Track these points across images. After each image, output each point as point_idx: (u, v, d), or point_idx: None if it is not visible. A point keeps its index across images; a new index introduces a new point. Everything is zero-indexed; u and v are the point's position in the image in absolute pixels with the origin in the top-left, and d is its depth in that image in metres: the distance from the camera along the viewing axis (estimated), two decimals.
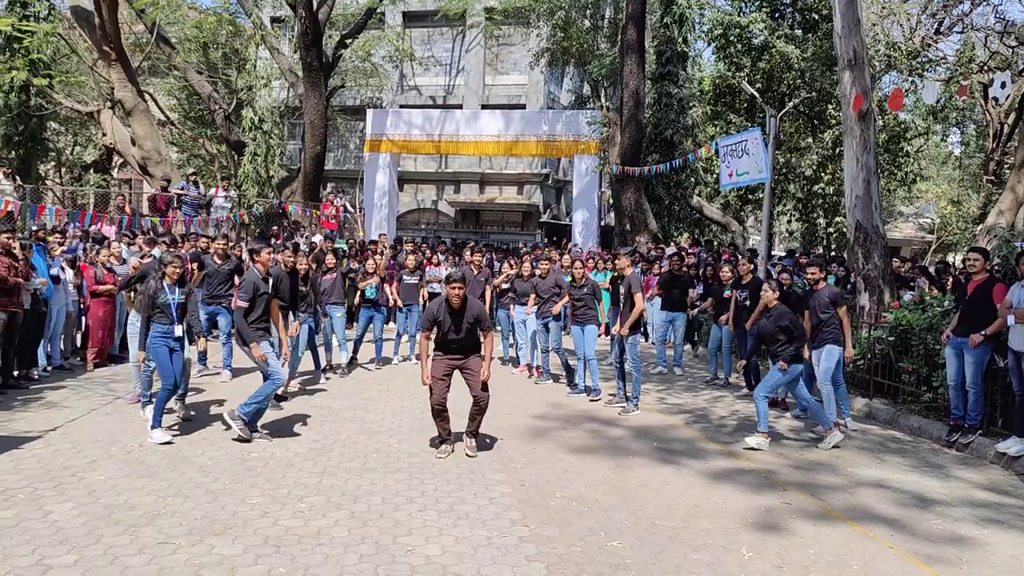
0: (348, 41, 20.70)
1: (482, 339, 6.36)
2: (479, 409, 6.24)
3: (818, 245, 22.86)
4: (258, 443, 6.27)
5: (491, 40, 27.24)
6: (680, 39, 19.68)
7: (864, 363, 8.68)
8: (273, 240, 12.58)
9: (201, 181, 18.18)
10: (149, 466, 5.55)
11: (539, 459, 6.17)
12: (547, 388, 9.33)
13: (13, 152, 22.37)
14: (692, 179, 20.91)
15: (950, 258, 26.98)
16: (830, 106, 19.08)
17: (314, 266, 9.12)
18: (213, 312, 9.10)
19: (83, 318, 9.55)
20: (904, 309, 8.45)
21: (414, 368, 10.12)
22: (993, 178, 22.31)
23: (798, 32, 19.33)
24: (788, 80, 18.99)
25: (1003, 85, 9.20)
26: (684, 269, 11.23)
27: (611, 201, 20.79)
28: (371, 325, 10.20)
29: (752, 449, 6.61)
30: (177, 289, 6.40)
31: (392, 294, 10.51)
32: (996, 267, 10.29)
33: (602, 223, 22.92)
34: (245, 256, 11.92)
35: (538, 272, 9.71)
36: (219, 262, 9.25)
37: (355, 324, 10.68)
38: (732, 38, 19.13)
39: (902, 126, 19.71)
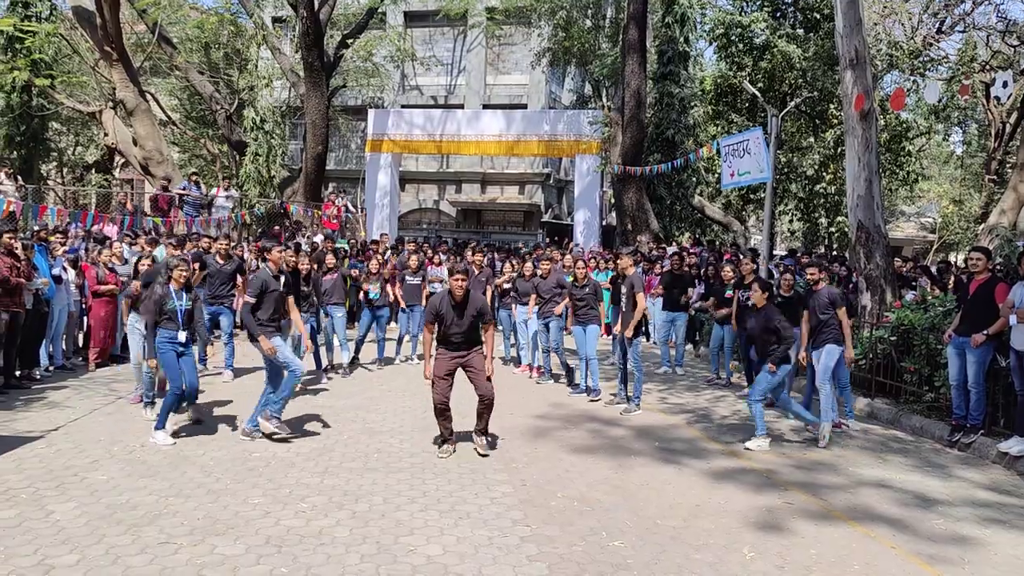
0: (349, 41, 20.71)
1: (483, 333, 6.37)
2: (485, 406, 6.24)
3: (820, 245, 22.84)
4: (260, 443, 6.27)
5: (492, 40, 27.24)
6: (681, 39, 19.67)
7: (866, 363, 8.67)
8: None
9: (203, 181, 18.19)
10: (151, 466, 5.56)
11: (541, 459, 6.17)
12: (548, 388, 9.33)
13: (15, 152, 22.40)
14: (694, 179, 20.90)
15: (952, 258, 26.96)
16: (832, 105, 19.06)
17: (315, 266, 9.12)
18: (215, 312, 9.10)
19: (85, 318, 9.56)
20: (906, 309, 8.44)
21: (416, 368, 10.13)
22: (995, 177, 22.28)
23: (800, 31, 19.31)
24: (790, 79, 18.98)
25: (1005, 84, 9.19)
26: (684, 269, 11.23)
27: (612, 201, 20.78)
28: (374, 325, 10.21)
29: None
30: (184, 295, 6.38)
31: (395, 294, 10.55)
32: (998, 267, 10.28)
33: (604, 223, 22.91)
34: (247, 256, 11.97)
35: (539, 272, 9.71)
36: (221, 262, 9.25)
37: (356, 324, 10.69)
38: (733, 37, 19.13)
39: (904, 125, 19.68)
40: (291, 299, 7.12)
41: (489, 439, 6.41)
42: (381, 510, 4.86)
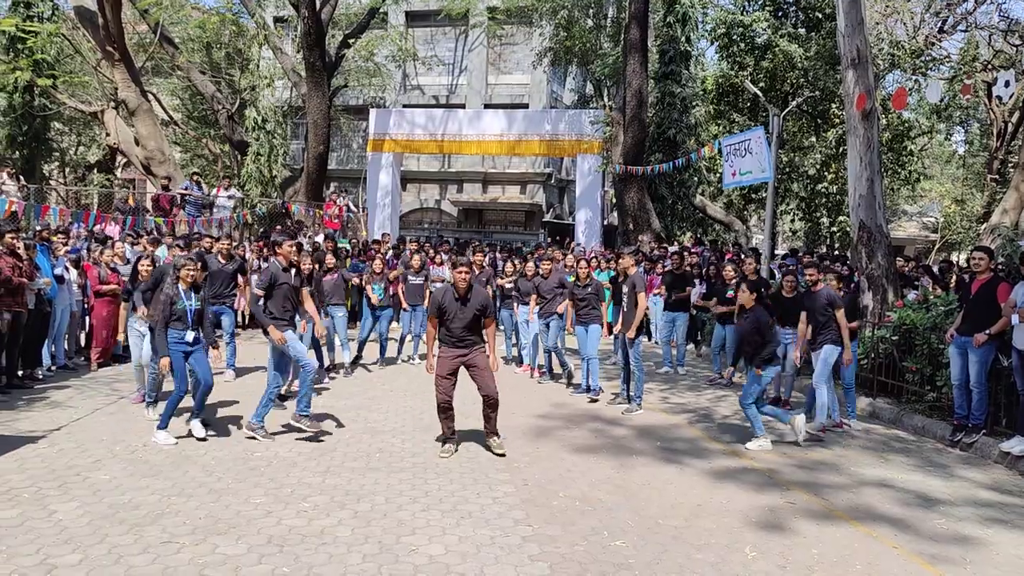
0: (351, 41, 20.71)
1: (484, 329, 6.38)
2: (491, 406, 6.25)
3: (822, 244, 22.84)
4: (262, 442, 6.28)
5: (494, 39, 27.24)
6: (683, 38, 19.66)
7: (868, 362, 8.66)
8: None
9: (205, 181, 18.20)
10: (153, 465, 5.57)
11: (542, 458, 6.17)
12: (550, 388, 9.33)
13: (17, 152, 22.45)
14: (695, 178, 20.89)
15: (954, 257, 26.93)
16: (833, 105, 19.06)
17: (316, 266, 9.13)
18: (217, 312, 9.10)
19: (87, 318, 9.57)
20: (908, 308, 8.43)
21: (417, 368, 10.14)
22: (997, 177, 22.25)
23: (801, 31, 19.31)
24: (791, 79, 18.97)
25: (1007, 84, 9.18)
26: (685, 268, 11.21)
27: (614, 200, 20.78)
28: (376, 325, 10.23)
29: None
30: (193, 295, 6.38)
31: (398, 293, 10.57)
32: (1000, 266, 10.27)
33: (605, 222, 22.92)
34: (249, 255, 11.97)
35: (541, 271, 9.71)
36: (223, 262, 9.26)
37: (358, 323, 10.69)
38: (735, 37, 19.13)
39: (906, 125, 19.68)
40: (305, 291, 7.14)
41: (498, 439, 6.38)
42: (383, 510, 4.86)
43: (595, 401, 8.44)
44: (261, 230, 17.29)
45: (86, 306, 9.49)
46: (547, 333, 9.50)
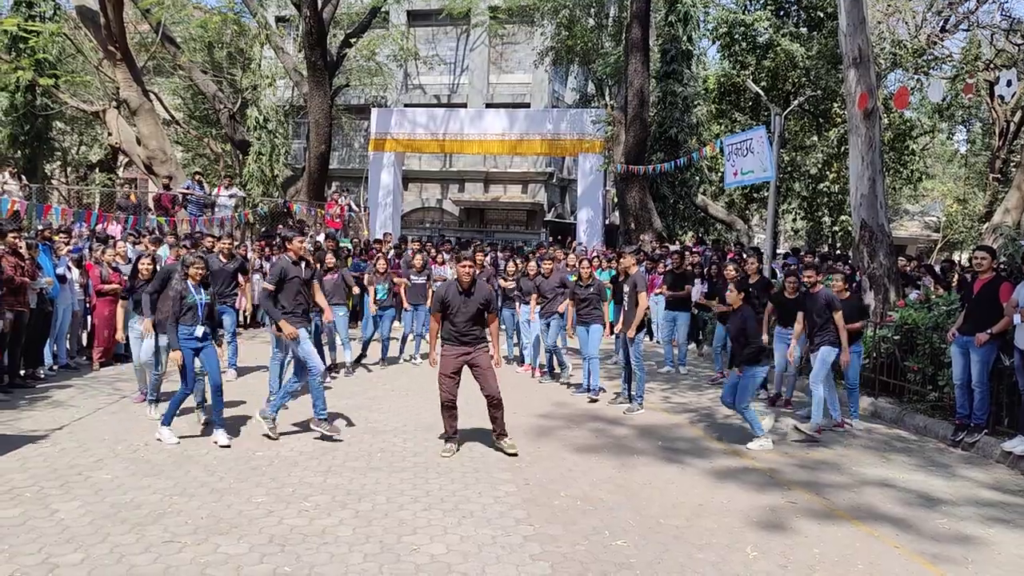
0: (352, 40, 20.72)
1: (488, 325, 6.38)
2: (495, 406, 6.24)
3: (823, 244, 22.83)
4: (263, 442, 6.28)
5: (495, 39, 27.22)
6: (685, 37, 19.66)
7: (869, 362, 8.65)
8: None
9: (206, 180, 18.23)
10: (155, 465, 5.57)
11: (543, 458, 6.17)
12: (551, 387, 9.33)
13: (19, 152, 22.47)
14: (697, 178, 20.89)
15: (956, 257, 26.90)
16: (835, 104, 19.05)
17: (317, 266, 9.13)
18: (219, 312, 9.11)
19: (89, 317, 9.58)
20: (910, 308, 8.42)
21: (419, 368, 10.15)
22: (999, 176, 22.24)
23: (803, 30, 19.30)
24: (793, 78, 18.97)
25: (1009, 83, 9.15)
26: (686, 267, 11.20)
27: (616, 200, 20.79)
28: (379, 324, 10.24)
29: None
30: (202, 291, 6.39)
31: (400, 293, 10.58)
32: (1002, 266, 10.26)
33: (607, 222, 22.91)
34: (250, 255, 11.99)
35: (542, 271, 9.70)
36: (224, 261, 9.26)
37: (359, 323, 10.69)
38: (737, 36, 19.13)
39: (908, 124, 19.68)
40: (316, 284, 7.14)
41: (508, 440, 6.36)
42: (384, 509, 4.87)
43: (595, 401, 8.43)
44: (263, 229, 17.31)
45: (88, 305, 9.50)
46: (548, 332, 9.50)
